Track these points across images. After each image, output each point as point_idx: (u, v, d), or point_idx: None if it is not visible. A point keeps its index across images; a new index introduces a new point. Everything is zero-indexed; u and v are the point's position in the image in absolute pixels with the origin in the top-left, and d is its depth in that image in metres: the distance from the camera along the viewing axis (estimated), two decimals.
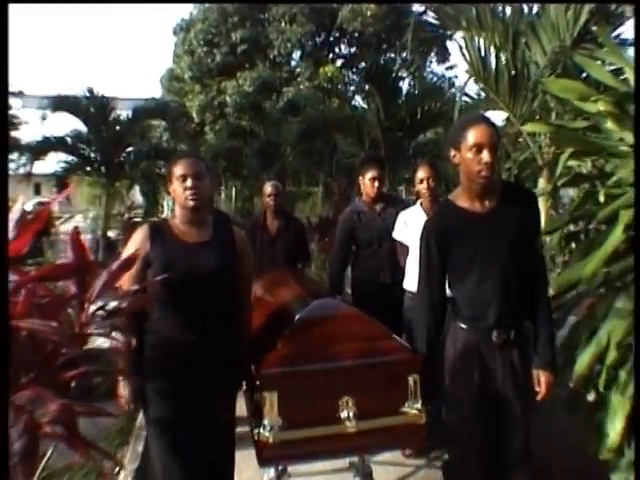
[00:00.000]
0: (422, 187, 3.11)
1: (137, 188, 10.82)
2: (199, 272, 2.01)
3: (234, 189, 14.97)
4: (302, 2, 16.07)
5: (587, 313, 2.25)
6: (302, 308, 2.20)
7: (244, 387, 2.26)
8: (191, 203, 2.03)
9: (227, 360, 2.09)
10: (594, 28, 3.45)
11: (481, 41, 3.85)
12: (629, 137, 2.22)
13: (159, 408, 2.03)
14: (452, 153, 2.00)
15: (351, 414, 1.95)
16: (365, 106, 7.91)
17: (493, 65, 3.81)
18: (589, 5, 3.36)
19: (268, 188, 3.91)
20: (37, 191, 22.30)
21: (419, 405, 2.01)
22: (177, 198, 2.07)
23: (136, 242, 2.06)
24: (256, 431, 1.92)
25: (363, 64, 17.42)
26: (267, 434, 1.88)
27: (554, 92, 2.59)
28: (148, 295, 1.94)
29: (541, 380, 1.99)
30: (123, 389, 2.06)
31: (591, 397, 2.14)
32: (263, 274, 3.23)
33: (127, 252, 1.96)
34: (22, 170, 10.47)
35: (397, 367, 2.05)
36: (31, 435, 1.26)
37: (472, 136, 1.90)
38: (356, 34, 17.29)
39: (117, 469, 3.04)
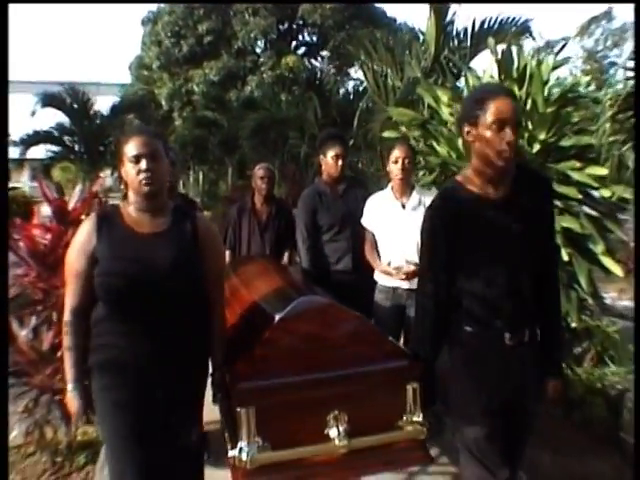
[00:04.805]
0: (396, 167, 2.88)
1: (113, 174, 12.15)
2: (150, 268, 1.73)
3: (201, 173, 16.36)
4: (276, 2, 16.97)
5: None
6: (284, 305, 1.92)
7: (218, 398, 1.99)
8: (146, 188, 1.75)
9: (189, 372, 1.84)
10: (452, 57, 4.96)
11: (376, 67, 5.34)
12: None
13: (111, 427, 1.79)
14: (466, 129, 1.74)
15: (342, 431, 1.73)
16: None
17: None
18: (430, 52, 4.89)
19: (260, 171, 3.66)
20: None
21: (419, 418, 1.81)
22: (130, 182, 1.78)
23: (82, 235, 1.80)
24: (231, 454, 1.69)
25: (325, 52, 18.76)
26: (244, 457, 1.65)
27: (394, 117, 4.07)
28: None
29: (550, 388, 1.88)
30: (72, 399, 1.80)
31: None
32: (248, 262, 3.11)
33: (72, 248, 1.81)
34: None
35: (394, 375, 1.84)
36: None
37: (493, 111, 1.65)
38: (318, 22, 18.47)
39: None
